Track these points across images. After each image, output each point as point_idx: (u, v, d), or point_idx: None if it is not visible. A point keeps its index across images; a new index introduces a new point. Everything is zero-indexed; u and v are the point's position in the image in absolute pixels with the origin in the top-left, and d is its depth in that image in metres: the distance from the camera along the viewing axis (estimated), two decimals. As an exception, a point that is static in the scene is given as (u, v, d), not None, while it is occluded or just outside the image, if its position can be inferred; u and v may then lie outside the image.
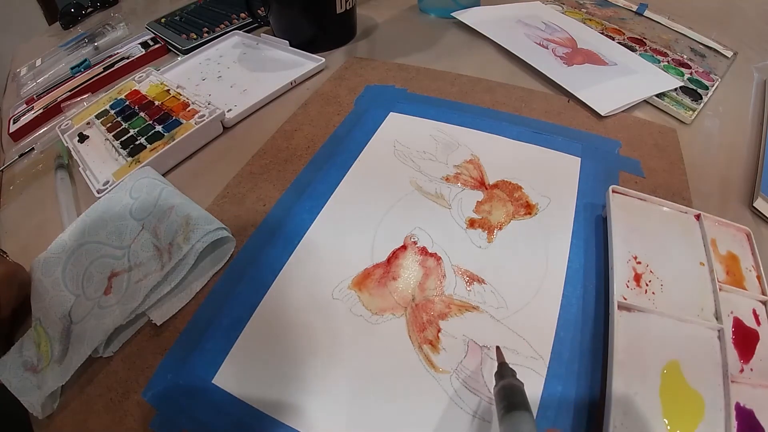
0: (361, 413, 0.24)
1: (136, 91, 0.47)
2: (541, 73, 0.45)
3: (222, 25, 0.59)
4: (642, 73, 0.46)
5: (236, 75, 0.50)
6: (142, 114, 0.43)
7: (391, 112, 0.42)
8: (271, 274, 0.30)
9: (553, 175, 0.35)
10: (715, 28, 0.55)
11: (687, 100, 0.42)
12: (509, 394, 0.19)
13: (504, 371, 0.21)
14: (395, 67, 0.48)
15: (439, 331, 0.26)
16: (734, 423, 0.21)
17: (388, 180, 0.36)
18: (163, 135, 0.40)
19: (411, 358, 0.25)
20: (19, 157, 0.44)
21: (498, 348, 0.24)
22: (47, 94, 0.53)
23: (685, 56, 0.50)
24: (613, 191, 0.30)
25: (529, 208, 0.33)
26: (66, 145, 0.42)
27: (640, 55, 0.49)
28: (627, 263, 0.27)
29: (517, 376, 0.22)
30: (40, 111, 0.49)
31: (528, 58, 0.47)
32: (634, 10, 0.60)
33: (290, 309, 0.28)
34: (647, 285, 0.26)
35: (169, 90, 0.46)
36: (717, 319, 0.25)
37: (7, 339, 0.29)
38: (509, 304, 0.27)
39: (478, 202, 0.34)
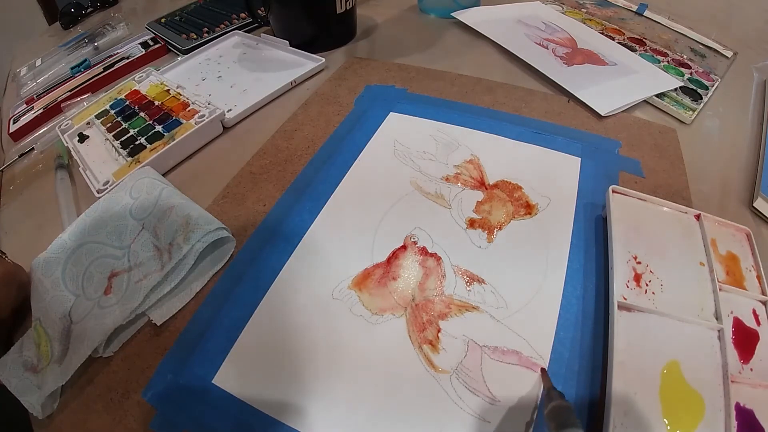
0: (360, 413, 0.23)
1: (136, 91, 0.47)
2: (541, 73, 0.45)
3: (222, 25, 0.59)
4: (642, 73, 0.46)
5: (236, 75, 0.50)
6: (142, 114, 0.43)
7: (391, 112, 0.42)
8: (271, 274, 0.30)
9: (553, 175, 0.35)
10: (715, 28, 0.55)
11: (687, 100, 0.42)
12: (558, 415, 0.20)
13: (552, 395, 0.22)
14: (395, 67, 0.48)
15: (439, 331, 0.26)
16: (734, 423, 0.21)
17: (388, 180, 0.36)
18: (163, 135, 0.40)
19: (411, 358, 0.25)
20: (19, 157, 0.44)
21: (544, 371, 0.24)
22: (47, 94, 0.53)
23: (685, 56, 0.50)
24: (613, 191, 0.30)
25: (529, 208, 0.33)
26: (66, 145, 0.42)
27: (640, 55, 0.49)
28: (627, 263, 0.27)
29: (521, 375, 0.22)
30: (40, 111, 0.49)
31: (528, 58, 0.47)
32: (634, 10, 0.60)
33: (290, 309, 0.28)
34: (647, 285, 0.26)
35: (169, 90, 0.46)
36: (717, 319, 0.25)
37: (7, 339, 0.29)
38: (509, 304, 0.27)
39: (478, 202, 0.34)
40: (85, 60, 0.57)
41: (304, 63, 0.50)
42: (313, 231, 0.32)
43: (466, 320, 0.27)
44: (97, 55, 0.59)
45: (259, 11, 0.54)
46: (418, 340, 0.26)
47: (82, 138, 0.43)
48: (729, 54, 0.51)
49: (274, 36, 0.54)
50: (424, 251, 0.31)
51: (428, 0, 0.60)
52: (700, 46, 0.53)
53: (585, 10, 0.60)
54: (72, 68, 0.56)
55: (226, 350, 0.26)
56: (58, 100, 0.50)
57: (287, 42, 0.52)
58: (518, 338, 0.26)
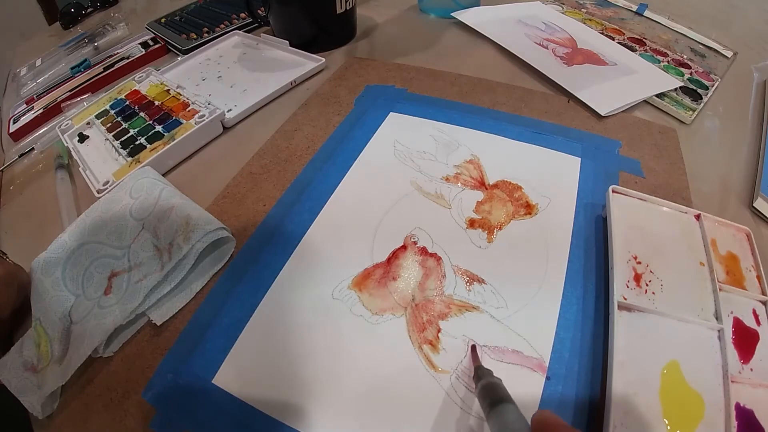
0: (360, 413, 0.24)
1: (136, 91, 0.47)
2: (541, 73, 0.45)
3: (222, 25, 0.59)
4: (642, 73, 0.46)
5: (236, 75, 0.50)
6: (142, 114, 0.43)
7: (391, 112, 0.42)
8: (271, 274, 0.30)
9: (553, 175, 0.35)
10: (715, 28, 0.55)
11: (687, 100, 0.42)
12: (490, 392, 0.20)
13: (481, 372, 0.21)
14: (395, 67, 0.48)
15: (439, 331, 0.26)
16: (734, 423, 0.21)
17: (388, 180, 0.36)
18: (163, 135, 0.40)
19: (411, 358, 0.25)
20: (19, 157, 0.44)
21: (474, 348, 0.24)
22: (47, 94, 0.53)
23: (685, 56, 0.50)
24: (613, 191, 0.30)
25: (529, 208, 0.33)
26: (66, 145, 0.42)
27: (640, 55, 0.49)
28: (627, 263, 0.27)
29: (521, 374, 0.21)
30: (40, 111, 0.49)
31: (528, 58, 0.47)
32: (634, 10, 0.60)
33: (290, 309, 0.28)
34: (647, 285, 0.26)
35: (169, 90, 0.46)
36: (717, 319, 0.25)
37: (7, 339, 0.29)
38: (509, 304, 0.27)
39: (478, 202, 0.34)
40: (85, 60, 0.57)
41: (304, 63, 0.50)
42: (313, 231, 0.32)
43: (466, 320, 0.27)
44: (97, 55, 0.59)
45: (259, 11, 0.54)
46: (418, 340, 0.26)
47: (82, 138, 0.43)
48: (729, 54, 0.51)
49: (274, 36, 0.54)
50: (424, 251, 0.31)
51: (428, 0, 0.60)
52: (700, 46, 0.53)
53: (585, 10, 0.60)
54: (72, 68, 0.56)
55: (226, 350, 0.26)
56: (58, 100, 0.50)
57: (287, 42, 0.52)
58: (518, 338, 0.26)
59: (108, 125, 0.43)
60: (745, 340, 0.25)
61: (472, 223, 0.32)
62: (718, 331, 0.25)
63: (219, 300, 0.29)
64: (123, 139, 0.41)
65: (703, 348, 0.24)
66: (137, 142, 0.40)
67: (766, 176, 0.35)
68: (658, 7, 0.59)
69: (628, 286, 0.26)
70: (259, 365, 0.26)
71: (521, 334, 0.26)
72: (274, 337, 0.27)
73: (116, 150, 0.40)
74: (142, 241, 0.30)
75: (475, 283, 0.29)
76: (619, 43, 0.51)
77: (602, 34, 0.53)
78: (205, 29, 0.58)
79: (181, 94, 0.44)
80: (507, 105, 0.42)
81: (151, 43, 0.59)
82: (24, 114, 0.50)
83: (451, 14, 0.57)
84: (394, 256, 0.30)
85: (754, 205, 0.33)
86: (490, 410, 0.19)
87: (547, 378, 0.24)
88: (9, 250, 0.32)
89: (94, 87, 0.52)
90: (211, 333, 0.27)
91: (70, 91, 0.51)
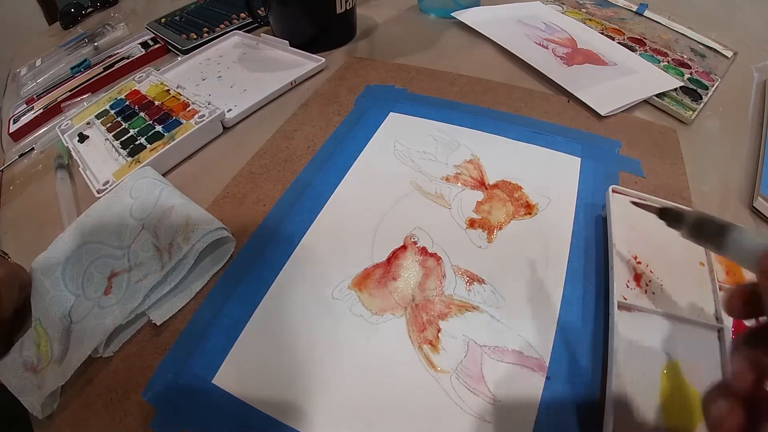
0: (360, 413, 0.23)
1: (136, 91, 0.47)
2: (541, 73, 0.45)
3: (222, 25, 0.59)
4: (642, 73, 0.46)
5: (236, 75, 0.50)
6: (142, 114, 0.43)
7: (391, 112, 0.42)
8: (271, 274, 0.30)
9: (553, 175, 0.35)
10: (715, 28, 0.55)
11: (687, 100, 0.42)
12: (704, 224, 0.17)
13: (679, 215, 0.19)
14: (395, 67, 0.48)
15: (439, 331, 0.26)
16: (734, 423, 0.21)
17: (388, 180, 0.36)
18: (163, 135, 0.40)
19: (411, 358, 0.25)
20: (19, 157, 0.44)
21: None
22: (47, 94, 0.53)
23: (685, 56, 0.50)
24: (613, 191, 0.30)
25: (529, 208, 0.33)
26: (66, 145, 0.42)
27: (640, 55, 0.49)
28: (627, 263, 0.27)
29: (521, 374, 0.21)
30: (40, 111, 0.49)
31: (528, 58, 0.47)
32: (634, 10, 0.60)
33: (290, 309, 0.28)
34: (647, 285, 0.26)
35: (169, 90, 0.46)
36: (717, 319, 0.25)
37: (7, 339, 0.29)
38: (509, 304, 0.27)
39: (478, 202, 0.34)
40: (85, 60, 0.57)
41: (304, 63, 0.50)
42: (313, 231, 0.32)
43: (466, 320, 0.27)
44: (97, 55, 0.59)
45: (259, 11, 0.54)
46: (418, 340, 0.26)
47: (82, 138, 0.43)
48: (729, 54, 0.51)
49: (274, 36, 0.54)
50: (424, 251, 0.31)
51: (428, 0, 0.60)
52: (700, 46, 0.53)
53: (585, 10, 0.60)
54: (72, 68, 0.56)
55: (226, 350, 0.26)
56: (58, 100, 0.50)
57: (287, 42, 0.52)
58: (518, 338, 0.26)
59: (108, 125, 0.43)
60: (745, 340, 0.25)
61: (472, 223, 0.32)
62: (718, 331, 0.25)
63: (219, 300, 0.29)
64: (123, 139, 0.41)
65: (703, 348, 0.24)
66: (137, 142, 0.40)
67: (766, 176, 0.35)
68: (658, 7, 0.59)
69: (628, 286, 0.26)
70: (259, 365, 0.26)
71: (521, 334, 0.26)
72: (274, 337, 0.27)
73: (116, 150, 0.40)
74: (142, 241, 0.30)
75: (475, 283, 0.29)
76: (619, 43, 0.51)
77: (602, 34, 0.53)
78: (205, 29, 0.58)
79: (181, 94, 0.44)
80: (507, 105, 0.42)
81: (151, 43, 0.59)
82: (24, 114, 0.50)
83: (451, 14, 0.57)
84: (394, 256, 0.30)
85: (754, 205, 0.33)
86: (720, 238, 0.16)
87: (547, 378, 0.24)
88: (9, 250, 0.32)
89: (94, 87, 0.52)
90: (211, 333, 0.27)
91: (70, 91, 0.51)
